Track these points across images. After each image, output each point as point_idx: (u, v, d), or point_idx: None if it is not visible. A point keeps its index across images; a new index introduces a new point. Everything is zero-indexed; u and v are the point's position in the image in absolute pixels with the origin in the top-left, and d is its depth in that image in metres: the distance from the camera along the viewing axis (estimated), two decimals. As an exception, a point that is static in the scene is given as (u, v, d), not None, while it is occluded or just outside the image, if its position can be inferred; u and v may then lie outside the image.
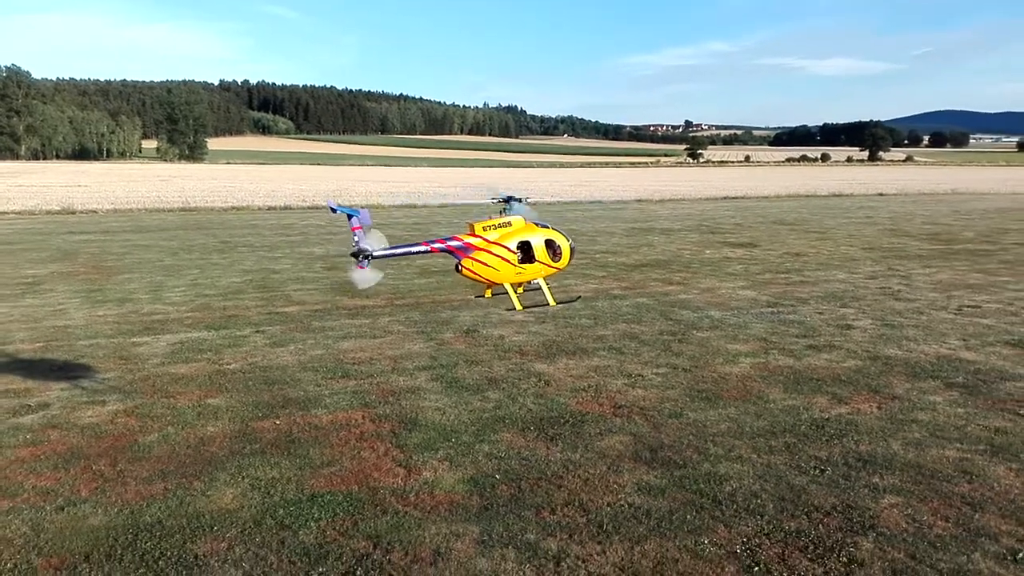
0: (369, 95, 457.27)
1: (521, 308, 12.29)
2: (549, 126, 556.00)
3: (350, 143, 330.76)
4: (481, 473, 10.75)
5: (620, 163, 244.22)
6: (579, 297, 16.34)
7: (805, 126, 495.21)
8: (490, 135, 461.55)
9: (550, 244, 11.97)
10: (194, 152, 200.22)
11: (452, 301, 23.02)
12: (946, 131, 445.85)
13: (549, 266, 11.93)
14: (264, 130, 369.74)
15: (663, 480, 10.49)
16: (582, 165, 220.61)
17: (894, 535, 8.89)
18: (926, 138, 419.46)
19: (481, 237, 11.43)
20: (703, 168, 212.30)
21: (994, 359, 16.48)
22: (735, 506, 9.69)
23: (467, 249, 11.40)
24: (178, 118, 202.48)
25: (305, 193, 73.95)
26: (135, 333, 18.93)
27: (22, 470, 10.85)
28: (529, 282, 12.50)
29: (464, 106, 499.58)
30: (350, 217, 10.94)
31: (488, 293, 12.86)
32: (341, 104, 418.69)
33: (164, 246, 36.74)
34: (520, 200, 12.48)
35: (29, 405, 13.53)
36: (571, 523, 9.28)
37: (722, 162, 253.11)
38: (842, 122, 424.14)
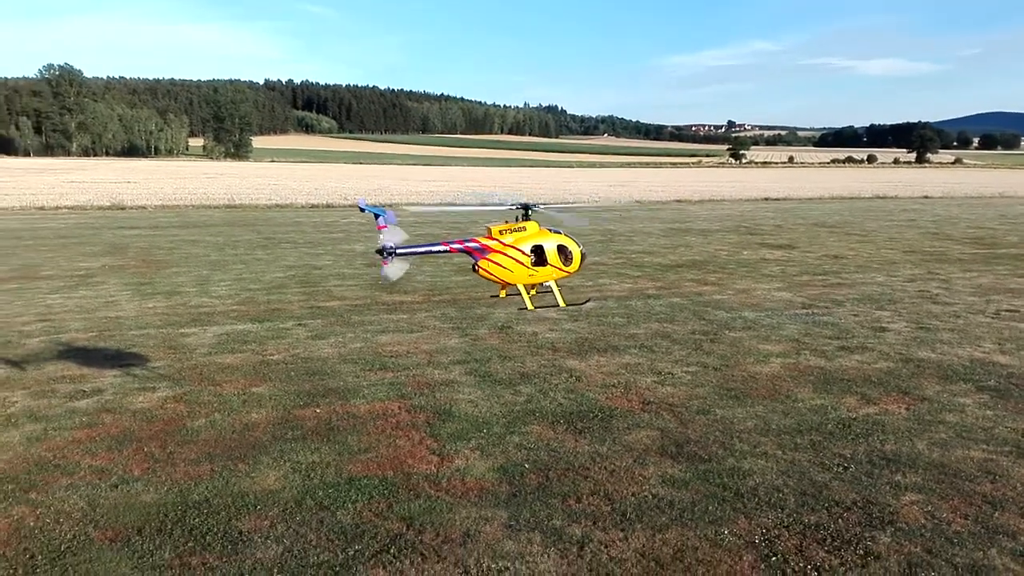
0: (411, 95, 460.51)
1: (533, 308, 12.84)
2: (589, 126, 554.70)
3: (392, 142, 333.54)
4: (511, 462, 11.15)
5: (660, 163, 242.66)
6: (590, 300, 16.79)
7: (851, 127, 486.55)
8: (530, 135, 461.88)
9: (562, 249, 12.49)
10: (239, 150, 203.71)
11: (487, 299, 23.43)
12: (997, 133, 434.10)
13: (560, 270, 12.46)
14: (308, 129, 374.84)
15: (687, 473, 10.79)
16: (622, 165, 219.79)
17: (912, 530, 9.10)
18: (976, 140, 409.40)
19: (497, 240, 11.96)
20: (745, 169, 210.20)
21: (1029, 363, 16.42)
22: (757, 499, 9.96)
23: (483, 251, 11.98)
24: (224, 116, 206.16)
25: (347, 191, 75.03)
26: (183, 324, 19.69)
27: (78, 450, 11.52)
28: (542, 284, 12.98)
29: (504, 106, 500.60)
30: (377, 216, 11.65)
31: (503, 293, 13.41)
32: (383, 104, 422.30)
33: (210, 241, 37.79)
34: (535, 207, 12.95)
35: (84, 390, 14.26)
36: (596, 511, 9.63)
37: (765, 163, 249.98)
38: (889, 123, 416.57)
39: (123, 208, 56.36)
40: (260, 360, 16.54)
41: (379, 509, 9.71)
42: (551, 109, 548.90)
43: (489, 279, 12.42)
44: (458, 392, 14.40)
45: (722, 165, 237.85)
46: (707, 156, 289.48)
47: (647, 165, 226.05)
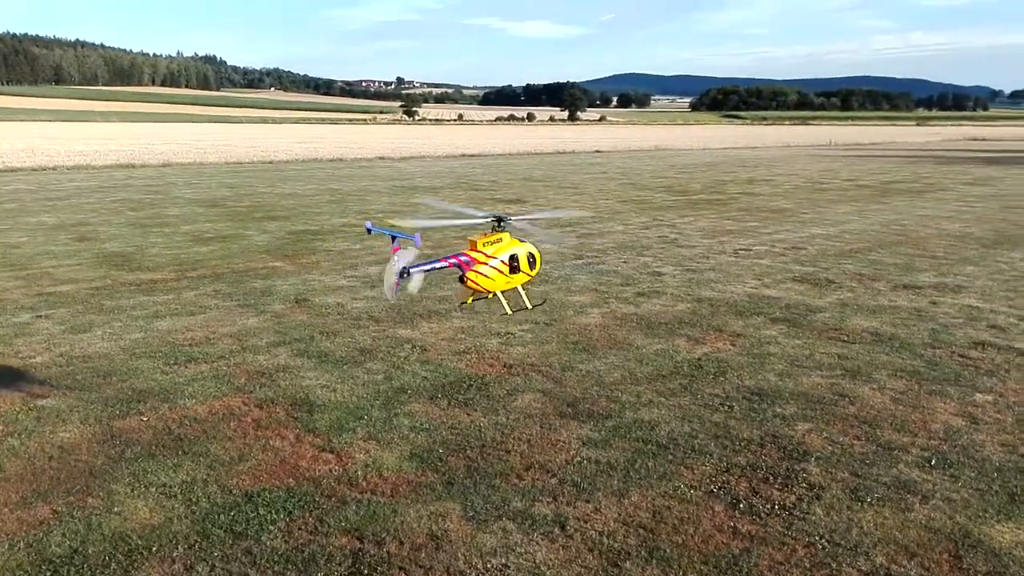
0: (38, 40, 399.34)
1: (511, 312, 12.88)
2: (254, 78, 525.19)
3: (18, 95, 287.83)
4: (419, 448, 10.15)
5: (336, 119, 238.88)
6: (544, 300, 17.03)
7: (511, 86, 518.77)
8: (187, 87, 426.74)
9: (530, 256, 12.68)
10: None
11: (255, 269, 21.26)
12: (632, 92, 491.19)
13: (527, 274, 12.72)
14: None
15: (599, 432, 10.65)
16: (297, 121, 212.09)
17: (829, 457, 9.85)
18: (615, 99, 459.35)
19: (481, 252, 11.87)
20: (421, 125, 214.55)
21: (793, 294, 18.74)
22: (681, 449, 10.12)
23: (471, 263, 11.84)
24: None
25: (-10, 153, 63.30)
26: None
27: None
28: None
29: (155, 54, 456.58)
30: (393, 239, 10.70)
31: (469, 300, 12.96)
32: (3, 50, 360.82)
33: None
34: (507, 219, 12.60)
35: None
36: (546, 486, 9.11)
37: (438, 120, 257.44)
38: (543, 83, 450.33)
39: None
40: (20, 364, 13.27)
41: (311, 526, 8.25)
42: (210, 59, 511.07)
43: (474, 289, 12.04)
44: (302, 378, 12.79)
45: (397, 122, 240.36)
46: (381, 113, 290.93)
47: (323, 121, 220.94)
